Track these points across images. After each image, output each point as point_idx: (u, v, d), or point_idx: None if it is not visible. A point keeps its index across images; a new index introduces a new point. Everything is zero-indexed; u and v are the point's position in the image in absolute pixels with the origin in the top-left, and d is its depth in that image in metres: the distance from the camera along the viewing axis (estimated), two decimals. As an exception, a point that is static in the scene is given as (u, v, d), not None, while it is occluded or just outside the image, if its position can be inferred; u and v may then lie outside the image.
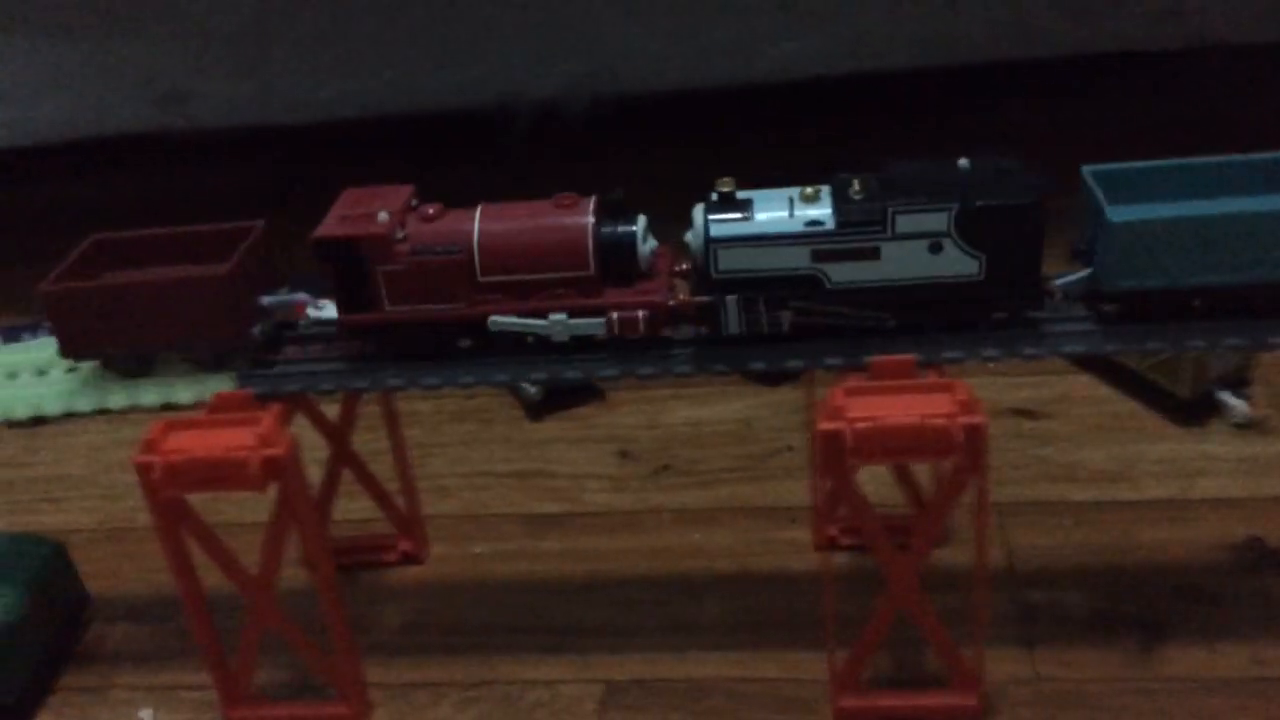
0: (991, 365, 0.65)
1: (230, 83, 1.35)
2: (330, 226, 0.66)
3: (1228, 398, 0.88)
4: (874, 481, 0.74)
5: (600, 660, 0.75)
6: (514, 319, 0.66)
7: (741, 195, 0.64)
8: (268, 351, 0.70)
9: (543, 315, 0.66)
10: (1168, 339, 0.63)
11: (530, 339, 0.66)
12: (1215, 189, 0.64)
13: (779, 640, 0.75)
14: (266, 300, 0.70)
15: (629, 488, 0.90)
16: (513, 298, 0.66)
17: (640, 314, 0.65)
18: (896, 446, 0.60)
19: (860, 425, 0.60)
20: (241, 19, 1.31)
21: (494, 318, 0.66)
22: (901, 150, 0.66)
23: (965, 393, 0.60)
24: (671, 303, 0.65)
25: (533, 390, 0.97)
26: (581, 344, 0.67)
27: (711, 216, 0.63)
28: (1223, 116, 1.29)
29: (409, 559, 0.84)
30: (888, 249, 0.62)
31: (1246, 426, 0.88)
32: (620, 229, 0.66)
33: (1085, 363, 0.95)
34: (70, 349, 0.69)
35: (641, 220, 0.66)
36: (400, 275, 0.65)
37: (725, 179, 0.65)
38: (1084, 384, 0.94)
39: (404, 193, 0.69)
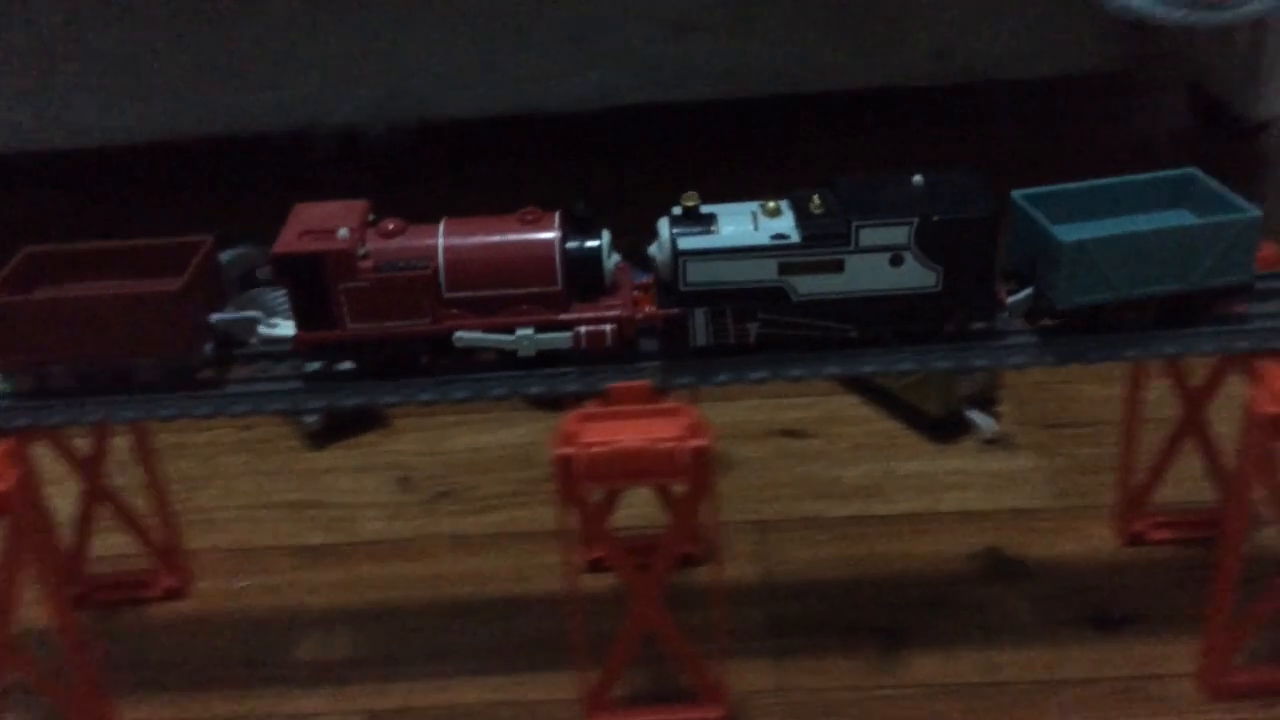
0: (763, 387, 0.68)
1: (11, 108, 1.30)
2: (290, 243, 0.65)
3: (976, 416, 0.94)
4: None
5: (363, 690, 0.75)
6: (480, 334, 0.66)
7: (705, 210, 0.65)
8: (217, 370, 0.68)
9: (509, 330, 0.66)
10: (1113, 349, 0.66)
11: (495, 354, 0.66)
12: (1131, 207, 0.69)
13: (544, 663, 0.76)
14: (216, 318, 0.68)
15: (406, 516, 0.90)
16: (478, 313, 0.66)
17: (608, 328, 0.66)
18: (626, 470, 0.62)
19: (591, 450, 0.62)
20: (25, 41, 1.27)
21: (459, 334, 0.66)
22: (711, 180, 0.68)
23: (693, 417, 0.63)
24: (639, 316, 0.66)
25: (312, 419, 0.97)
26: (547, 359, 0.67)
27: (678, 230, 0.64)
28: (997, 147, 1.37)
29: (172, 594, 0.82)
30: (851, 262, 0.64)
31: (994, 442, 0.93)
32: (586, 244, 0.66)
33: (849, 384, 1.00)
34: (12, 363, 0.66)
35: (606, 235, 0.67)
36: (363, 292, 0.65)
37: (689, 193, 0.66)
38: (849, 404, 0.98)
39: (359, 208, 0.68)
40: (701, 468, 0.62)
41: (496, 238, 0.66)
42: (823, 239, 0.63)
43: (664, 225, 0.65)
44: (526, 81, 1.32)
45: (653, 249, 0.66)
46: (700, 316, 0.65)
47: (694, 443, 0.62)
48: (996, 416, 0.95)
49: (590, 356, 0.66)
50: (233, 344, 0.69)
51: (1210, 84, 1.27)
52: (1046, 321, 0.66)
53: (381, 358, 0.67)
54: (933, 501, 0.88)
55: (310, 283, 0.64)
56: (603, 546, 0.68)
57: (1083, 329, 0.66)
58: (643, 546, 0.69)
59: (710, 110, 1.40)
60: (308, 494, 0.93)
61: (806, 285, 0.64)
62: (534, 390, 0.67)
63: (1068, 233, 0.63)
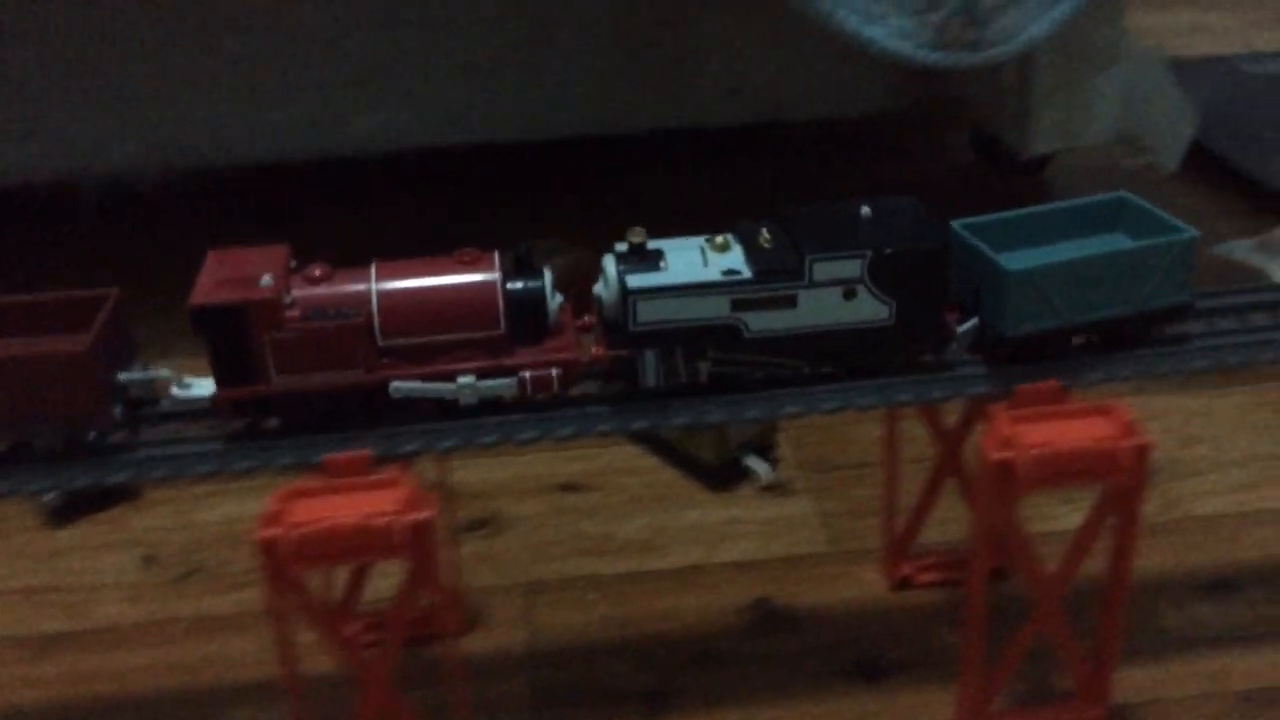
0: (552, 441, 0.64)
1: None
2: (208, 293, 0.60)
3: (753, 462, 0.92)
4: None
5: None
6: (418, 384, 0.61)
7: (651, 246, 0.62)
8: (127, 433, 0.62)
9: (449, 378, 0.61)
10: (1063, 373, 0.64)
11: (434, 404, 0.62)
12: (1067, 232, 0.68)
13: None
14: (124, 377, 0.62)
15: (147, 597, 0.83)
16: (415, 361, 0.62)
17: (554, 372, 0.62)
18: (339, 549, 0.58)
19: (299, 530, 0.57)
20: None
21: (395, 384, 0.61)
22: (511, 222, 0.64)
23: (409, 489, 0.59)
24: (586, 359, 0.62)
25: (51, 495, 0.89)
26: (490, 407, 0.63)
27: (625, 268, 0.61)
28: (789, 185, 1.38)
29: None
30: (804, 297, 0.62)
31: (772, 488, 0.92)
32: (529, 285, 0.62)
33: (631, 433, 0.97)
34: None
35: (548, 275, 0.63)
36: (290, 343, 0.60)
37: (636, 229, 0.63)
38: (631, 455, 0.96)
39: (279, 253, 0.63)
40: (423, 544, 0.58)
41: (434, 281, 0.62)
42: (776, 274, 0.62)
43: (610, 263, 0.63)
44: (306, 125, 1.27)
45: (598, 288, 0.64)
46: (650, 357, 0.62)
47: (414, 516, 0.58)
48: (775, 461, 0.93)
49: (536, 402, 0.63)
50: (142, 405, 0.64)
51: (984, 122, 1.30)
52: (999, 351, 0.65)
53: (311, 412, 0.62)
54: (707, 553, 0.86)
55: (232, 335, 0.60)
56: (328, 629, 0.64)
57: (1031, 357, 0.65)
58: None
59: (508, 152, 1.38)
60: (43, 577, 0.86)
61: (759, 322, 0.62)
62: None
63: (1011, 261, 0.63)
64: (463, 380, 0.62)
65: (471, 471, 0.93)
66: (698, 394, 0.64)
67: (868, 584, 0.82)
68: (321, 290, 0.61)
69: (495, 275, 0.62)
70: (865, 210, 0.64)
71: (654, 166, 1.43)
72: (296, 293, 0.61)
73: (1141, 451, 0.60)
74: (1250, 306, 0.69)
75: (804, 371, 0.64)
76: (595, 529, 0.89)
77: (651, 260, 0.62)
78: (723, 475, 0.92)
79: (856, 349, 0.64)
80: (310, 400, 0.62)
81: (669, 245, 0.63)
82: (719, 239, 0.63)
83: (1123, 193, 0.69)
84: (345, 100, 1.27)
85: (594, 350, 0.63)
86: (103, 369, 0.61)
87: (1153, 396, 0.98)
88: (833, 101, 1.36)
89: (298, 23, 1.24)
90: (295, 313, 0.60)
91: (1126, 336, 0.66)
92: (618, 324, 0.62)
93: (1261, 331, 0.68)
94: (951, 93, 1.33)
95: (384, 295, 0.61)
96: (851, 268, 0.62)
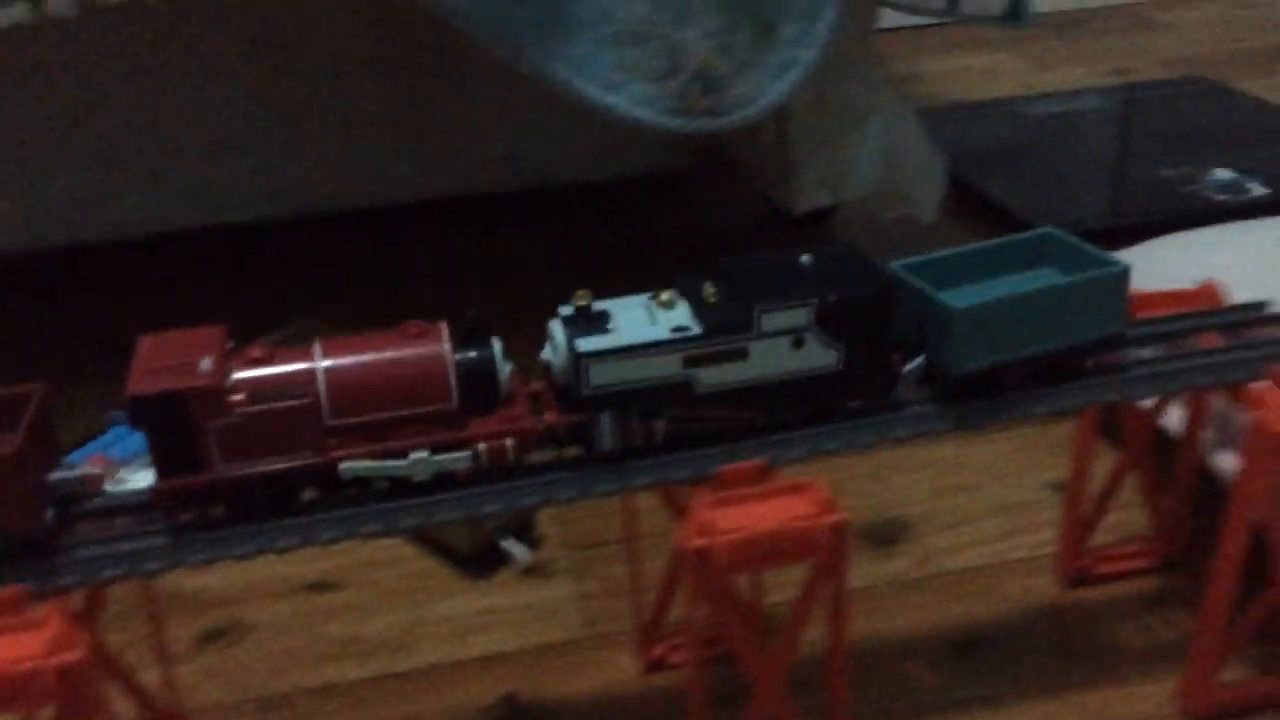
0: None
1: None
2: (145, 381, 0.56)
3: (510, 545, 0.89)
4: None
5: None
6: (369, 463, 0.59)
7: (596, 308, 0.62)
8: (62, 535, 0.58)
9: (401, 455, 0.59)
10: (1010, 407, 0.66)
11: (385, 483, 0.60)
12: (1000, 269, 0.69)
13: None
14: (55, 477, 0.59)
15: None
16: (365, 439, 0.59)
17: (509, 442, 0.60)
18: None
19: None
20: None
21: (345, 464, 0.59)
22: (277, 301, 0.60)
23: (61, 626, 0.54)
24: (541, 427, 0.61)
25: None
26: (443, 482, 0.61)
27: (574, 331, 0.61)
28: (573, 246, 1.37)
29: None
30: (755, 348, 0.62)
31: (531, 572, 0.89)
32: (480, 355, 0.61)
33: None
34: None
35: (497, 344, 0.61)
36: (235, 429, 0.57)
37: (582, 291, 0.62)
38: (385, 546, 0.92)
39: (216, 335, 0.60)
40: (74, 690, 0.53)
41: (382, 356, 0.60)
42: (725, 328, 0.62)
43: (557, 327, 0.62)
44: (56, 211, 1.21)
45: (546, 353, 0.63)
46: (605, 420, 0.61)
47: (59, 659, 0.53)
48: (535, 541, 0.91)
49: (492, 474, 0.61)
50: (74, 503, 0.60)
51: (755, 178, 1.30)
52: (947, 388, 0.66)
53: (260, 499, 0.59)
54: (458, 648, 0.82)
55: (174, 424, 0.57)
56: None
57: (975, 393, 0.66)
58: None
59: (280, 230, 1.33)
60: None
61: (711, 376, 0.62)
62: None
63: (954, 299, 0.63)
64: (415, 456, 0.60)
65: (214, 575, 0.88)
66: (655, 453, 0.63)
67: (621, 669, 0.79)
68: (264, 372, 0.59)
69: (444, 347, 0.61)
70: (806, 259, 0.64)
71: (431, 237, 1.41)
72: (238, 375, 0.58)
73: (838, 528, 0.59)
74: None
75: (758, 423, 0.64)
76: (341, 630, 0.84)
77: (599, 322, 0.62)
78: (480, 561, 0.89)
79: (807, 396, 0.64)
80: (257, 486, 0.59)
81: (613, 305, 0.63)
82: (663, 295, 0.63)
83: (1049, 229, 0.71)
84: (90, 186, 1.21)
85: (547, 417, 0.62)
86: (32, 471, 0.57)
87: (912, 449, 0.98)
88: (611, 162, 1.36)
89: (40, 102, 1.19)
90: (239, 397, 0.58)
91: (1066, 367, 0.67)
92: (570, 389, 0.62)
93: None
94: (726, 151, 1.34)
95: (330, 374, 0.59)
96: (799, 317, 0.62)
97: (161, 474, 0.58)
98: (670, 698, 0.77)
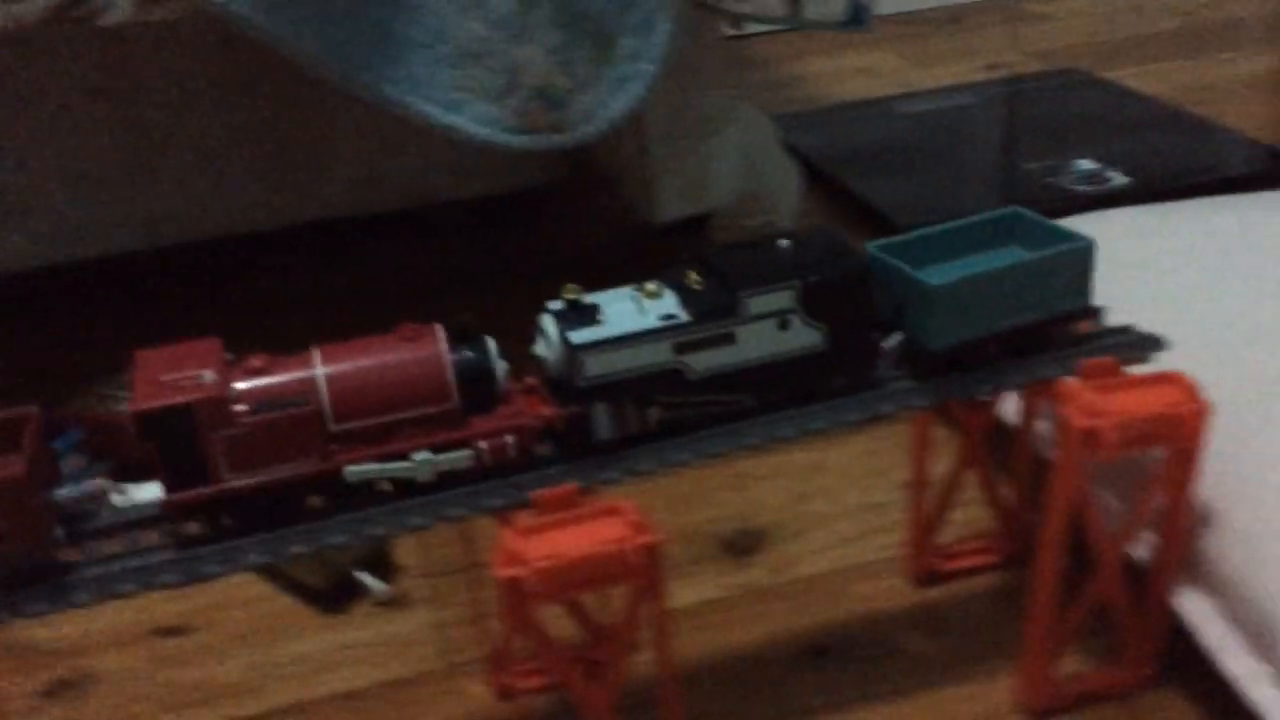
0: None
1: None
2: (149, 396, 0.57)
3: (366, 578, 0.88)
4: None
5: None
6: (372, 466, 0.61)
7: (586, 300, 0.64)
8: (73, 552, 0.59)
9: (405, 456, 0.61)
10: (987, 381, 0.69)
11: (389, 485, 0.61)
12: (969, 248, 0.72)
13: None
14: (61, 494, 0.59)
15: None
16: (369, 443, 0.61)
17: (509, 439, 0.62)
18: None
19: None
20: None
21: (350, 468, 0.60)
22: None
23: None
24: (538, 422, 0.62)
25: None
26: (445, 480, 0.62)
27: (566, 325, 0.62)
28: (443, 265, 1.36)
29: None
30: (742, 332, 0.64)
31: (388, 604, 0.88)
32: (476, 355, 0.62)
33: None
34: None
35: (492, 343, 0.63)
36: (241, 439, 0.58)
37: (571, 285, 0.64)
38: (239, 585, 0.90)
39: (212, 346, 0.61)
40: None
41: (381, 360, 0.61)
42: (712, 313, 0.64)
43: (549, 322, 0.63)
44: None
45: (539, 348, 0.64)
46: (602, 410, 0.63)
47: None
48: (394, 570, 0.90)
49: (493, 471, 0.63)
50: (80, 520, 0.60)
51: (618, 191, 1.30)
52: (925, 364, 0.68)
53: (266, 508, 0.60)
54: (310, 688, 0.81)
55: (180, 438, 0.58)
56: None
57: (952, 368, 0.68)
58: None
59: (144, 260, 1.30)
60: None
61: (701, 362, 0.64)
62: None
63: (931, 277, 0.66)
64: (419, 457, 0.61)
65: (61, 625, 0.86)
66: (652, 439, 0.65)
67: (474, 698, 0.78)
68: (265, 381, 0.60)
69: (442, 348, 0.62)
70: (784, 244, 0.66)
71: (295, 263, 1.39)
72: (240, 386, 0.59)
73: (649, 550, 0.59)
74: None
75: (749, 405, 0.66)
76: (191, 676, 0.82)
77: (588, 315, 0.63)
78: (335, 597, 0.88)
79: (795, 377, 0.66)
80: (263, 495, 0.60)
81: (602, 298, 0.65)
82: (649, 286, 0.65)
83: (1016, 208, 0.73)
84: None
85: (544, 411, 0.63)
86: (38, 491, 0.57)
87: (770, 457, 0.99)
88: (478, 181, 1.35)
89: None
90: (243, 407, 0.59)
91: (1035, 341, 0.69)
92: (564, 382, 0.63)
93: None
94: (591, 166, 1.33)
95: (332, 380, 0.60)
96: (783, 299, 0.64)
97: (170, 487, 0.59)
98: (521, 724, 0.76)
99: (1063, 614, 0.71)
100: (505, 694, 0.78)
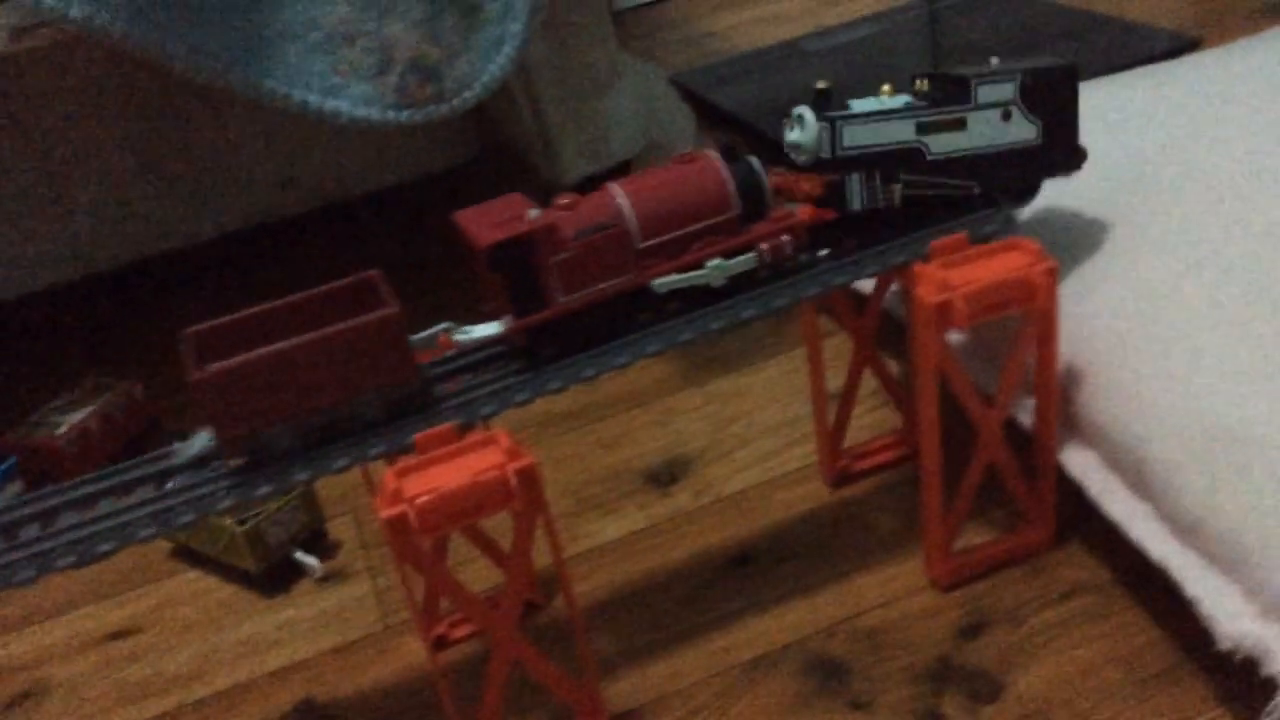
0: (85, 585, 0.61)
1: None
2: (494, 232, 0.65)
3: (302, 556, 0.90)
4: None
5: None
6: (676, 276, 0.68)
7: (835, 94, 0.72)
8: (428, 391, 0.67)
9: (699, 265, 0.68)
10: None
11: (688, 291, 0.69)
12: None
13: None
14: (413, 339, 0.66)
15: None
16: (668, 257, 0.68)
17: (785, 238, 0.69)
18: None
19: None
20: None
21: (658, 280, 0.68)
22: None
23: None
24: (808, 209, 0.70)
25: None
26: (734, 284, 0.69)
27: (821, 107, 0.71)
28: (376, 254, 1.38)
29: None
30: (972, 119, 0.72)
31: (327, 579, 0.90)
32: (749, 167, 0.69)
33: (181, 556, 0.94)
34: (233, 436, 0.62)
35: (755, 160, 0.70)
36: (571, 261, 0.66)
37: (823, 80, 0.72)
38: (184, 583, 0.92)
39: (519, 197, 0.69)
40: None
41: (671, 181, 0.68)
42: (950, 98, 0.72)
43: (805, 110, 0.71)
44: None
45: (792, 135, 0.72)
46: (854, 180, 0.71)
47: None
48: (327, 550, 0.92)
49: (774, 270, 0.70)
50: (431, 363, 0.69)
51: (526, 159, 1.32)
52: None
53: (590, 325, 0.68)
54: (257, 665, 0.83)
55: (523, 266, 0.65)
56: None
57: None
58: None
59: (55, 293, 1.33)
60: None
61: (938, 144, 0.72)
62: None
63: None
64: (711, 264, 0.68)
65: (15, 641, 0.88)
66: (896, 225, 0.73)
67: (413, 653, 0.81)
68: (580, 213, 0.67)
69: (721, 164, 0.69)
70: (995, 60, 0.75)
71: (212, 278, 1.41)
72: (563, 215, 0.66)
73: (526, 473, 0.61)
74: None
75: (975, 192, 0.74)
76: (141, 672, 0.85)
77: (839, 103, 0.72)
78: (275, 578, 0.90)
79: (1013, 168, 0.74)
80: (589, 313, 0.67)
81: (846, 99, 0.73)
82: (885, 88, 0.73)
83: None
84: None
85: (804, 185, 0.71)
86: (407, 331, 0.65)
87: (693, 389, 1.01)
88: (392, 171, 1.37)
89: None
90: (568, 234, 0.66)
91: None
92: (819, 160, 0.71)
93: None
94: (498, 140, 1.35)
95: (634, 204, 0.67)
96: (1007, 90, 0.72)
97: (516, 313, 0.66)
98: (455, 671, 0.78)
99: (957, 488, 0.73)
100: (440, 644, 0.80)
